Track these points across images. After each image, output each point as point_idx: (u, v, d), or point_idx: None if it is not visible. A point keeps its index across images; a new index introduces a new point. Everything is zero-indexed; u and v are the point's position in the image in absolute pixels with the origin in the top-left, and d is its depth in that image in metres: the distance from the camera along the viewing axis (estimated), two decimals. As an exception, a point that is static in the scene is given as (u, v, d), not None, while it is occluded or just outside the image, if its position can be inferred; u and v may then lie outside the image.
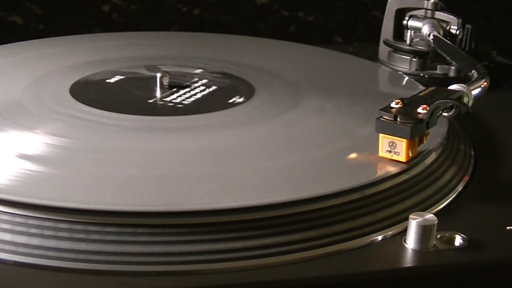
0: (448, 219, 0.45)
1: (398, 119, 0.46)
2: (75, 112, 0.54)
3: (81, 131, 0.51)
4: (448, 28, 0.68)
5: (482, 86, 0.53)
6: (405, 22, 0.71)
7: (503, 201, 0.48)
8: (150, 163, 0.47)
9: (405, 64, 0.70)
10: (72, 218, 0.40)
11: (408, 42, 0.71)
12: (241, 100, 0.57)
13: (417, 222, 0.42)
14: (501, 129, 0.60)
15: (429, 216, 0.42)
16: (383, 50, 0.73)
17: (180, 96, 0.58)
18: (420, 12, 0.70)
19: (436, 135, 0.50)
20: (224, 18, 0.99)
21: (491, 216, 0.46)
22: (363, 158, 0.48)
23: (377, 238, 0.43)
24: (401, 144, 0.46)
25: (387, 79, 0.69)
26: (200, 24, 0.98)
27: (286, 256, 0.41)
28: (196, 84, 0.61)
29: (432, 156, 0.49)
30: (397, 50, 0.71)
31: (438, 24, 0.68)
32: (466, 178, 0.51)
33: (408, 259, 0.41)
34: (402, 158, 0.46)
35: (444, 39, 0.66)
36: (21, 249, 0.40)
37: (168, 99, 0.58)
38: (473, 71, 0.56)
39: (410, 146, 0.46)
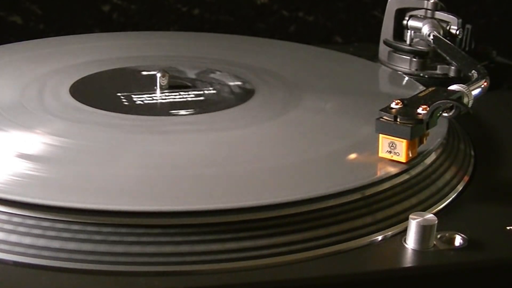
0: (448, 219, 0.45)
1: (398, 120, 0.46)
2: (75, 112, 0.54)
3: (81, 131, 0.51)
4: (448, 28, 0.68)
5: (482, 86, 0.53)
6: (405, 22, 0.71)
7: (503, 201, 0.48)
8: (150, 163, 0.47)
9: (405, 64, 0.70)
10: (72, 218, 0.40)
11: (408, 42, 0.71)
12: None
13: (417, 222, 0.42)
14: (501, 129, 0.60)
15: (429, 216, 0.42)
16: (383, 50, 0.73)
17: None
18: (420, 12, 0.70)
19: (436, 135, 0.50)
20: (224, 18, 0.99)
21: (491, 216, 0.46)
22: (363, 158, 0.48)
23: (377, 238, 0.43)
24: (401, 145, 0.46)
25: (387, 79, 0.69)
26: (200, 24, 0.98)
27: (286, 256, 0.41)
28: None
29: (432, 156, 0.49)
30: (397, 50, 0.71)
31: (438, 24, 0.68)
32: (466, 178, 0.51)
33: (408, 259, 0.41)
34: (402, 158, 0.46)
35: (444, 39, 0.66)
36: (21, 249, 0.40)
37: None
38: (473, 71, 0.56)
39: (410, 146, 0.46)
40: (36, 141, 0.49)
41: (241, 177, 0.45)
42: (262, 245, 0.41)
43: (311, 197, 0.43)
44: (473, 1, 1.05)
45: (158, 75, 0.59)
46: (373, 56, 0.74)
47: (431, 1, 0.69)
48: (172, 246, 0.40)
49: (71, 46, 0.72)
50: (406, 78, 0.66)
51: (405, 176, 0.47)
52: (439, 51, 0.66)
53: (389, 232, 0.44)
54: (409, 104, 0.47)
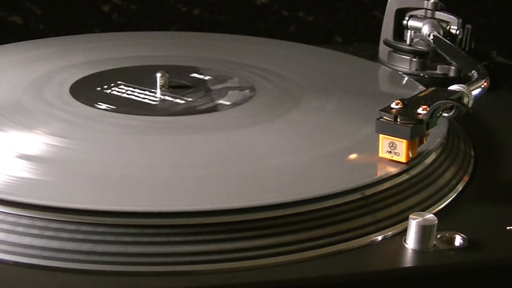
0: (448, 219, 0.45)
1: (398, 120, 0.46)
2: (75, 112, 0.54)
3: (81, 131, 0.51)
4: (448, 28, 0.68)
5: (482, 86, 0.53)
6: (405, 22, 0.71)
7: (503, 201, 0.48)
8: (150, 163, 0.47)
9: (405, 64, 0.70)
10: (72, 219, 0.40)
11: (408, 42, 0.71)
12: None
13: (417, 222, 0.42)
14: (501, 129, 0.60)
15: (429, 216, 0.42)
16: (383, 50, 0.73)
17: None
18: (420, 12, 0.70)
19: (436, 135, 0.50)
20: (224, 18, 0.99)
21: (491, 216, 0.46)
22: (363, 158, 0.48)
23: (377, 238, 0.43)
24: (401, 145, 0.46)
25: (387, 79, 0.69)
26: (200, 24, 0.98)
27: (286, 256, 0.41)
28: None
29: (432, 156, 0.49)
30: (397, 50, 0.71)
31: (438, 24, 0.68)
32: (466, 178, 0.51)
33: (408, 259, 0.41)
34: (402, 158, 0.46)
35: (444, 39, 0.66)
36: (21, 249, 0.40)
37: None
38: (473, 71, 0.56)
39: (410, 146, 0.46)
40: (36, 141, 0.49)
41: (241, 177, 0.45)
42: (262, 245, 0.41)
43: (311, 197, 0.43)
44: (473, 1, 1.05)
45: (158, 75, 0.59)
46: (373, 56, 0.74)
47: (431, 1, 0.69)
48: (172, 246, 0.40)
49: (71, 46, 0.72)
50: (406, 78, 0.66)
51: (405, 176, 0.47)
52: (439, 51, 0.65)
53: (389, 232, 0.44)
54: (409, 104, 0.47)
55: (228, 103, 0.57)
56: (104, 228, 0.40)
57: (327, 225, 0.42)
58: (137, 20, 0.96)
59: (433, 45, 0.67)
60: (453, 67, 0.68)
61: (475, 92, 0.52)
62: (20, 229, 0.41)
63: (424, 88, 0.53)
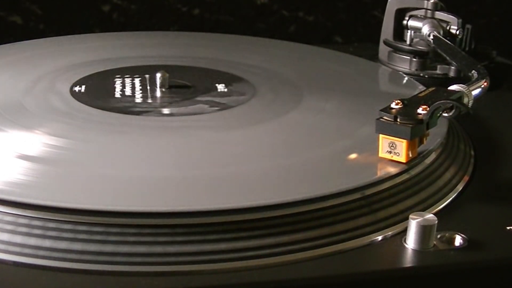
0: (448, 219, 0.45)
1: (398, 120, 0.46)
2: (75, 112, 0.54)
3: (81, 132, 0.51)
4: (448, 28, 0.68)
5: (482, 86, 0.53)
6: (405, 22, 0.71)
7: (503, 201, 0.48)
8: (151, 163, 0.47)
9: (405, 64, 0.70)
10: (72, 218, 0.40)
11: (408, 42, 0.71)
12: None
13: (417, 222, 0.42)
14: (501, 129, 0.60)
15: (429, 216, 0.42)
16: (383, 50, 0.73)
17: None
18: (420, 12, 0.70)
19: (436, 135, 0.50)
20: (224, 18, 0.99)
21: (491, 216, 0.46)
22: (363, 158, 0.48)
23: (377, 238, 0.43)
24: (401, 145, 0.46)
25: (387, 79, 0.69)
26: (200, 24, 0.98)
27: (286, 256, 0.41)
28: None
29: (432, 156, 0.49)
30: (397, 50, 0.71)
31: (438, 24, 0.68)
32: (466, 178, 0.51)
33: (408, 259, 0.41)
34: (402, 158, 0.46)
35: (444, 39, 0.66)
36: (21, 249, 0.40)
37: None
38: (473, 71, 0.56)
39: (410, 146, 0.46)
40: (36, 142, 0.49)
41: (241, 177, 0.45)
42: (262, 245, 0.41)
43: (311, 197, 0.43)
44: (473, 1, 1.05)
45: (158, 75, 0.59)
46: (373, 56, 0.74)
47: (431, 1, 0.69)
48: (172, 246, 0.40)
49: (71, 46, 0.72)
50: (406, 78, 0.66)
51: (405, 176, 0.47)
52: (439, 51, 0.66)
53: (389, 232, 0.44)
54: (409, 104, 0.47)
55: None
56: (104, 228, 0.40)
57: (327, 225, 0.42)
58: (137, 20, 0.96)
59: (433, 45, 0.67)
60: (453, 67, 0.68)
61: (475, 92, 0.52)
62: (20, 229, 0.41)
63: (424, 88, 0.53)
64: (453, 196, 0.48)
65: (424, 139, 0.48)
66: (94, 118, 0.53)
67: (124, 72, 0.63)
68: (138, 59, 0.67)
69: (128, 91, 0.59)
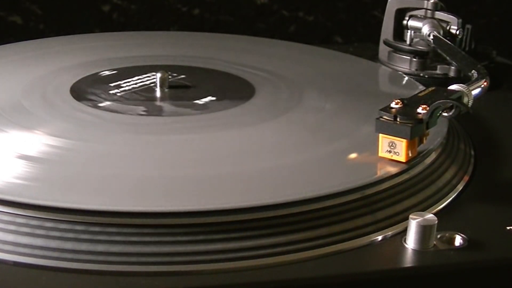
0: (448, 219, 0.45)
1: (398, 119, 0.46)
2: (75, 112, 0.54)
3: (81, 132, 0.51)
4: (448, 28, 0.68)
5: (482, 86, 0.53)
6: (405, 22, 0.71)
7: (503, 201, 0.48)
8: (151, 163, 0.47)
9: (405, 64, 0.70)
10: (72, 218, 0.40)
11: (408, 42, 0.71)
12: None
13: (417, 222, 0.42)
14: (501, 129, 0.60)
15: (429, 216, 0.42)
16: (383, 50, 0.73)
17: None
18: (420, 12, 0.70)
19: (436, 135, 0.50)
20: (224, 18, 0.99)
21: (491, 216, 0.46)
22: (363, 158, 0.48)
23: (377, 238, 0.43)
24: (401, 144, 0.46)
25: (387, 79, 0.69)
26: (200, 24, 0.98)
27: (286, 256, 0.41)
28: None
29: (432, 156, 0.49)
30: (397, 50, 0.71)
31: (438, 24, 0.68)
32: (466, 178, 0.51)
33: (408, 259, 0.41)
34: (402, 158, 0.46)
35: (444, 39, 0.66)
36: (21, 249, 0.40)
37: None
38: (473, 71, 0.56)
39: (410, 146, 0.46)
40: (36, 142, 0.49)
41: (241, 177, 0.45)
42: (262, 245, 0.41)
43: (311, 197, 0.43)
44: (473, 1, 1.05)
45: (159, 75, 0.59)
46: (373, 56, 0.74)
47: (431, 1, 0.69)
48: (172, 246, 0.40)
49: (71, 46, 0.72)
50: (406, 78, 0.66)
51: (405, 176, 0.47)
52: (439, 51, 0.66)
53: (389, 232, 0.44)
54: (409, 104, 0.47)
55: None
56: (104, 228, 0.40)
57: (327, 225, 0.42)
58: (137, 20, 0.96)
59: (433, 45, 0.67)
60: (453, 67, 0.68)
61: (475, 92, 0.52)
62: (20, 229, 0.41)
63: (424, 88, 0.53)
64: (453, 196, 0.48)
65: (424, 138, 0.48)
66: (94, 118, 0.53)
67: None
68: (138, 59, 0.67)
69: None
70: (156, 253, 0.40)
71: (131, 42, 0.74)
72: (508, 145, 0.57)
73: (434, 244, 0.42)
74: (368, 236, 0.43)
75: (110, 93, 0.58)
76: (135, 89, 0.59)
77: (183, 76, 0.63)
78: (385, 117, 0.46)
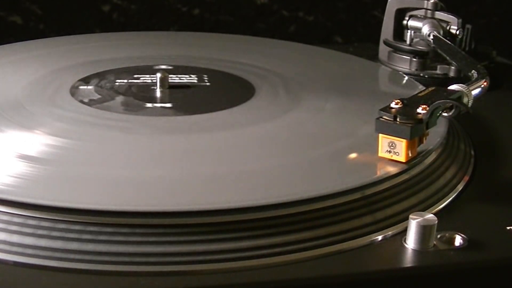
0: (448, 219, 0.45)
1: (398, 119, 0.46)
2: (75, 112, 0.54)
3: (81, 132, 0.51)
4: (448, 28, 0.68)
5: (482, 86, 0.53)
6: (405, 22, 0.71)
7: (503, 201, 0.48)
8: (150, 163, 0.47)
9: (405, 64, 0.70)
10: (72, 218, 0.40)
11: (408, 42, 0.71)
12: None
13: (417, 222, 0.42)
14: (501, 129, 0.60)
15: (429, 216, 0.42)
16: (383, 50, 0.73)
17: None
18: (420, 12, 0.70)
19: (436, 135, 0.50)
20: (224, 18, 0.99)
21: (491, 216, 0.46)
22: (363, 158, 0.48)
23: (377, 238, 0.43)
24: (401, 144, 0.46)
25: (387, 79, 0.69)
26: (200, 24, 0.98)
27: (286, 256, 0.41)
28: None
29: (432, 156, 0.49)
30: (397, 50, 0.71)
31: (438, 24, 0.68)
32: (466, 178, 0.51)
33: (408, 259, 0.41)
34: (402, 158, 0.46)
35: (444, 39, 0.66)
36: (21, 249, 0.40)
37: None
38: (473, 71, 0.56)
39: (410, 146, 0.46)
40: (36, 142, 0.49)
41: (241, 177, 0.45)
42: (262, 245, 0.41)
43: (311, 197, 0.43)
44: (473, 1, 1.05)
45: (158, 75, 0.59)
46: (373, 56, 0.74)
47: (431, 1, 0.69)
48: (172, 246, 0.40)
49: (71, 46, 0.72)
50: (406, 78, 0.66)
51: (405, 176, 0.47)
52: (439, 51, 0.66)
53: (389, 232, 0.44)
54: (409, 104, 0.47)
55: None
56: (104, 228, 0.40)
57: (327, 225, 0.42)
58: (137, 20, 0.96)
59: (433, 45, 0.67)
60: (453, 67, 0.68)
61: (475, 92, 0.52)
62: (20, 229, 0.41)
63: (424, 88, 0.53)
64: (453, 196, 0.48)
65: (424, 138, 0.48)
66: (94, 118, 0.53)
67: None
68: (138, 59, 0.67)
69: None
70: (156, 253, 0.40)
71: (131, 42, 0.74)
72: (508, 145, 0.57)
73: (434, 244, 0.42)
74: (368, 236, 0.43)
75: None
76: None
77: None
78: (385, 117, 0.46)
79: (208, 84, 0.61)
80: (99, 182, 0.44)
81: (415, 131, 0.46)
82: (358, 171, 0.46)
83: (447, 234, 0.43)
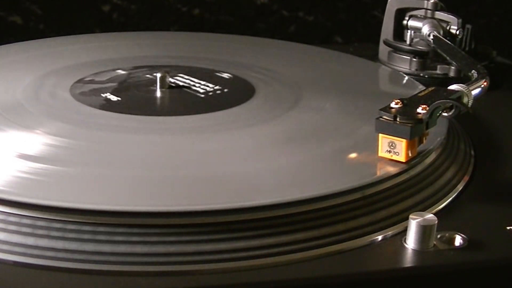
0: (448, 219, 0.45)
1: (398, 119, 0.46)
2: (75, 112, 0.54)
3: (81, 132, 0.51)
4: (448, 28, 0.68)
5: (482, 86, 0.53)
6: (405, 22, 0.71)
7: (503, 201, 0.48)
8: (150, 163, 0.47)
9: (405, 64, 0.70)
10: (72, 218, 0.40)
11: (408, 42, 0.71)
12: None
13: (417, 222, 0.42)
14: (501, 129, 0.60)
15: (429, 216, 0.42)
16: (383, 50, 0.73)
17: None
18: (420, 12, 0.70)
19: (436, 135, 0.50)
20: (224, 18, 0.99)
21: (491, 216, 0.46)
22: (363, 158, 0.48)
23: (377, 238, 0.43)
24: (401, 144, 0.46)
25: (387, 79, 0.69)
26: (200, 24, 0.98)
27: (286, 256, 0.41)
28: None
29: (432, 156, 0.49)
30: (397, 50, 0.71)
31: (438, 24, 0.68)
32: (466, 178, 0.51)
33: (408, 259, 0.41)
34: (402, 158, 0.46)
35: (444, 39, 0.66)
36: (21, 249, 0.40)
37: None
38: (473, 71, 0.56)
39: (410, 146, 0.46)
40: (36, 141, 0.49)
41: (241, 177, 0.45)
42: (262, 245, 0.41)
43: (311, 197, 0.43)
44: (473, 1, 1.05)
45: (158, 75, 0.59)
46: (373, 56, 0.74)
47: (431, 1, 0.69)
48: (173, 246, 0.40)
49: (71, 46, 0.72)
50: (406, 78, 0.66)
51: (405, 176, 0.47)
52: (439, 51, 0.66)
53: (389, 232, 0.44)
54: (409, 104, 0.47)
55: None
56: (104, 228, 0.40)
57: (327, 225, 0.42)
58: (137, 20, 0.96)
59: (433, 45, 0.67)
60: (453, 67, 0.68)
61: (475, 92, 0.52)
62: (20, 229, 0.41)
63: (424, 88, 0.53)
64: (453, 196, 0.48)
65: (424, 138, 0.48)
66: (94, 118, 0.53)
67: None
68: (138, 59, 0.67)
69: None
70: (156, 253, 0.40)
71: (131, 42, 0.74)
72: (508, 145, 0.57)
73: (434, 244, 0.42)
74: (368, 236, 0.43)
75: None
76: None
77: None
78: (385, 117, 0.46)
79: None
80: (100, 182, 0.44)
81: (415, 131, 0.46)
82: (358, 171, 0.46)
83: (447, 234, 0.43)
